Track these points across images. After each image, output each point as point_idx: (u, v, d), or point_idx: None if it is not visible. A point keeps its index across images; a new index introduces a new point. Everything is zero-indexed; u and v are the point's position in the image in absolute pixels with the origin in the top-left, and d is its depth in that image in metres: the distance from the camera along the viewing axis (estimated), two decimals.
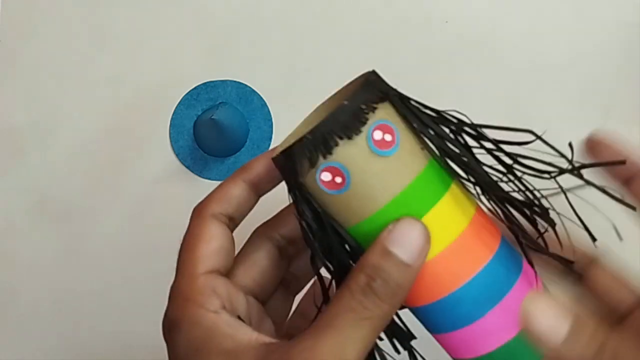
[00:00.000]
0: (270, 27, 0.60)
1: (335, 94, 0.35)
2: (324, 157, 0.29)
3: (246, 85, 0.59)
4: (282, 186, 0.33)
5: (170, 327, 0.32)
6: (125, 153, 0.60)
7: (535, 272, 0.32)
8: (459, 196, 0.31)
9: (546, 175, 0.31)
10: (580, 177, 0.31)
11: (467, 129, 0.32)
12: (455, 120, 0.32)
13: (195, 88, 0.60)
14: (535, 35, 0.59)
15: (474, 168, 0.31)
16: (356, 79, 0.33)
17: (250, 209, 0.35)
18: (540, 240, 0.33)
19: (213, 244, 0.33)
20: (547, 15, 0.59)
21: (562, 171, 0.31)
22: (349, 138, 0.29)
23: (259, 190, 0.35)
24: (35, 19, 0.62)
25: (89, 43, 0.61)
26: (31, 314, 0.59)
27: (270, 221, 0.37)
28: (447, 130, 0.31)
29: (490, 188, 0.32)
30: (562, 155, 0.31)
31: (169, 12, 0.61)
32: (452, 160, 0.31)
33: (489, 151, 0.32)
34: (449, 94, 0.58)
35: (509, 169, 0.32)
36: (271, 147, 0.59)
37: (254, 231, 0.36)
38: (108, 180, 0.59)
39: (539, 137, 0.32)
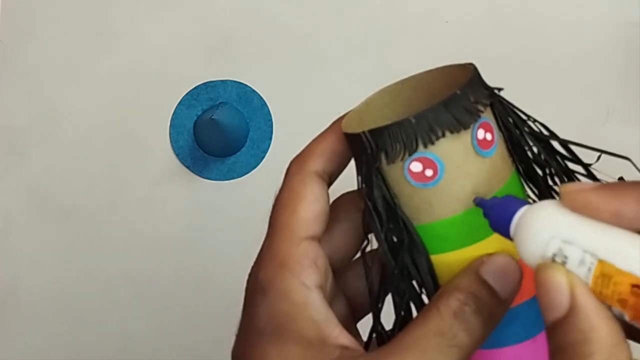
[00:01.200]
0: (271, 28, 0.60)
1: (419, 76, 0.32)
2: (425, 147, 0.27)
3: (246, 85, 0.59)
4: None
5: (257, 289, 0.29)
6: (125, 153, 0.60)
7: None
8: None
9: None
10: None
11: (555, 144, 0.30)
12: (546, 133, 0.30)
13: (195, 88, 0.60)
14: (535, 35, 0.59)
15: (554, 187, 0.30)
16: (450, 68, 0.30)
17: (346, 166, 0.31)
18: None
19: (317, 207, 0.29)
20: (547, 15, 0.59)
21: None
22: (457, 132, 0.27)
23: None
24: (35, 19, 0.62)
25: (88, 43, 0.61)
26: (31, 313, 0.59)
27: (353, 193, 0.33)
28: (535, 142, 0.30)
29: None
30: None
31: (169, 13, 0.61)
32: (528, 172, 0.29)
33: (572, 172, 0.30)
34: None
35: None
36: (271, 147, 0.59)
37: (342, 197, 0.33)
38: (108, 180, 0.60)
39: (638, 168, 0.29)
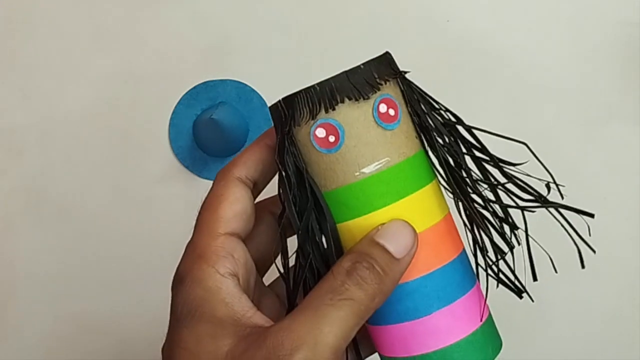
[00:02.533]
0: (270, 27, 0.60)
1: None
2: (326, 111, 0.29)
3: (246, 85, 0.59)
4: None
5: (176, 281, 0.31)
6: (124, 153, 0.60)
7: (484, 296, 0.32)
8: (435, 193, 0.31)
9: (524, 203, 0.32)
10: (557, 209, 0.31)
11: (462, 129, 0.32)
12: (453, 118, 0.32)
13: (194, 88, 0.59)
14: (536, 35, 0.59)
15: (458, 169, 0.32)
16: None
17: (273, 175, 0.34)
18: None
19: (237, 206, 0.32)
20: (547, 15, 0.59)
21: (540, 206, 0.31)
22: (356, 100, 0.29)
23: None
24: (34, 18, 0.62)
25: (88, 43, 0.61)
26: (30, 313, 0.59)
27: (274, 198, 0.36)
28: (442, 126, 0.32)
29: (466, 196, 0.32)
30: (549, 186, 0.31)
31: (169, 12, 0.61)
32: (438, 157, 0.32)
33: (477, 158, 0.32)
34: (449, 92, 0.58)
35: (492, 185, 0.32)
36: None
37: (257, 204, 0.35)
38: (107, 180, 0.59)
39: (533, 154, 0.31)
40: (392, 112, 0.30)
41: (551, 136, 0.57)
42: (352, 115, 0.29)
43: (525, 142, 0.31)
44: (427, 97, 0.32)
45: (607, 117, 0.58)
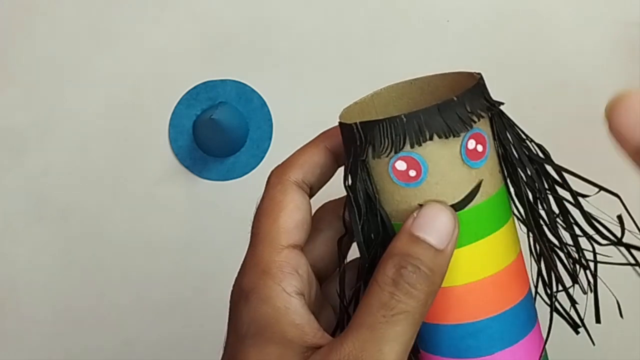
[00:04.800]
0: (270, 27, 0.60)
1: (428, 78, 0.32)
2: (411, 146, 0.27)
3: (246, 85, 0.59)
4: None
5: (240, 296, 0.29)
6: (124, 153, 0.60)
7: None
8: (511, 233, 0.30)
9: (602, 242, 0.30)
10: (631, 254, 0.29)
11: (549, 168, 0.30)
12: (542, 156, 0.30)
13: (194, 88, 0.59)
14: (536, 35, 0.59)
15: (537, 206, 0.30)
16: (459, 74, 0.30)
17: (329, 179, 0.32)
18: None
19: (298, 215, 0.30)
20: (548, 15, 0.59)
21: (614, 243, 0.29)
22: (446, 137, 0.27)
23: (340, 160, 0.32)
24: (35, 18, 0.62)
25: (87, 43, 0.61)
26: (30, 313, 0.59)
27: (342, 199, 0.33)
28: (529, 162, 0.30)
29: (542, 235, 0.30)
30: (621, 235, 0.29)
31: (169, 12, 0.61)
32: (520, 193, 0.30)
33: (559, 198, 0.31)
34: None
35: (569, 225, 0.30)
36: (271, 147, 0.59)
37: (323, 206, 0.34)
38: (108, 180, 0.59)
39: (625, 207, 0.29)
40: (480, 148, 0.27)
41: (551, 136, 0.57)
42: (439, 153, 0.27)
43: (619, 194, 0.30)
44: (518, 130, 0.30)
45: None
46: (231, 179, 0.59)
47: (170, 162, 0.59)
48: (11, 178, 0.60)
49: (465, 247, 0.28)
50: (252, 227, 0.31)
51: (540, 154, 0.30)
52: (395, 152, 0.27)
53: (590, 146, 0.58)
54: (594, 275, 0.30)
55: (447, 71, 0.31)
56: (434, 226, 0.27)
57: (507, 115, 0.30)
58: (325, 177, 0.32)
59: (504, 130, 0.29)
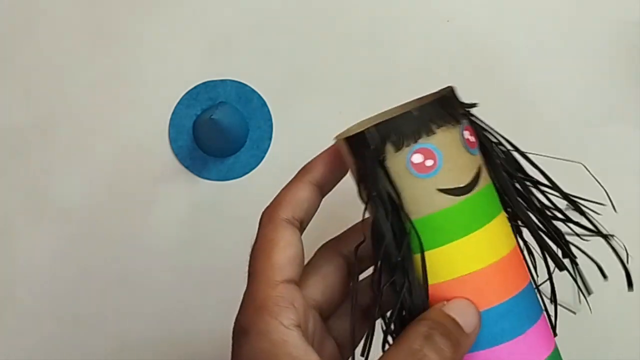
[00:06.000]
0: (270, 27, 0.60)
1: (398, 106, 0.35)
2: (427, 135, 0.30)
3: (246, 85, 0.59)
4: (346, 193, 0.33)
5: (239, 333, 0.31)
6: (124, 153, 0.60)
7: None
8: (506, 223, 0.32)
9: (586, 235, 0.33)
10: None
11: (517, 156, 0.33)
12: (509, 146, 0.33)
13: (194, 87, 0.59)
14: (536, 34, 0.59)
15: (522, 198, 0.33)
16: (427, 96, 0.34)
17: (316, 211, 0.34)
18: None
19: (290, 251, 0.32)
20: (548, 15, 0.59)
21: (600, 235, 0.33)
22: (452, 126, 0.30)
23: (323, 190, 0.34)
24: (34, 18, 0.62)
25: (88, 43, 0.61)
26: (30, 313, 0.59)
27: (341, 236, 0.36)
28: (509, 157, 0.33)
29: (532, 224, 0.33)
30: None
31: (169, 12, 0.61)
32: (505, 190, 0.32)
33: (536, 188, 0.34)
34: None
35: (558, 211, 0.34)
36: (271, 147, 0.59)
37: (324, 245, 0.36)
38: (107, 180, 0.59)
39: (592, 175, 0.34)
40: (472, 138, 0.31)
41: (551, 136, 0.57)
42: (447, 141, 0.30)
43: (582, 162, 0.33)
44: (488, 129, 0.33)
45: (607, 117, 0.58)
46: (231, 179, 0.59)
47: (170, 162, 0.59)
48: (11, 178, 0.60)
49: (479, 230, 0.30)
50: (249, 267, 0.32)
51: (508, 146, 0.33)
52: (414, 142, 0.30)
53: (590, 146, 0.58)
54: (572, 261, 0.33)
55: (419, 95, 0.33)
56: (463, 312, 0.29)
57: (477, 117, 0.33)
58: (312, 210, 0.34)
59: (480, 129, 0.33)
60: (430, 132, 0.30)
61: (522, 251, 0.34)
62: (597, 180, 0.32)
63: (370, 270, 0.32)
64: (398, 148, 0.30)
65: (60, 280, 0.59)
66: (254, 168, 0.59)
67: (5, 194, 0.60)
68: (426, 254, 0.30)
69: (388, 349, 0.29)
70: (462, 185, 0.30)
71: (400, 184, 0.30)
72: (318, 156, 0.34)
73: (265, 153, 0.59)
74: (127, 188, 0.59)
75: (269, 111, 0.59)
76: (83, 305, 0.58)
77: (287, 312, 0.30)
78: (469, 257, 0.30)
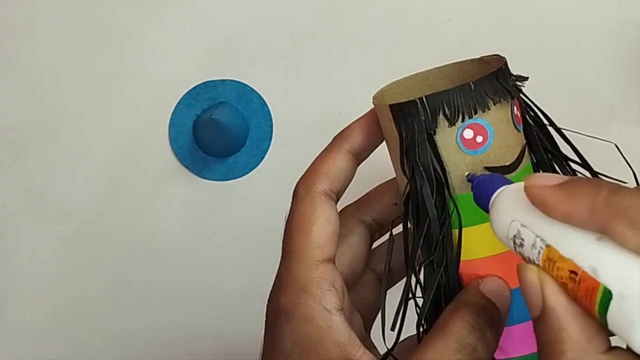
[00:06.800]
0: (270, 27, 0.60)
1: (451, 65, 0.34)
2: (483, 111, 0.29)
3: (246, 85, 0.59)
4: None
5: (280, 314, 0.30)
6: (124, 153, 0.60)
7: None
8: None
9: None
10: None
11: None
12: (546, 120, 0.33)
13: (194, 87, 0.59)
14: (536, 34, 0.59)
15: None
16: (465, 63, 0.33)
17: (351, 181, 0.32)
18: None
19: (329, 228, 0.30)
20: (548, 15, 0.59)
21: None
22: (504, 101, 0.29)
23: (360, 158, 0.32)
24: (34, 18, 0.62)
25: (88, 43, 0.61)
26: (30, 314, 0.59)
27: (362, 201, 0.34)
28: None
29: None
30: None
31: (169, 12, 0.61)
32: (542, 169, 0.32)
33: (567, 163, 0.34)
34: None
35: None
36: (271, 147, 0.59)
37: (344, 210, 0.34)
38: (107, 181, 0.59)
39: (622, 155, 0.33)
40: (519, 114, 0.30)
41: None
42: (499, 117, 0.29)
43: (614, 142, 0.33)
44: (532, 104, 0.33)
45: (607, 117, 0.58)
46: (231, 179, 0.59)
47: (170, 162, 0.59)
48: (11, 178, 0.60)
49: None
50: (284, 243, 0.31)
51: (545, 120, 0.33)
52: (469, 117, 0.29)
53: (590, 146, 0.58)
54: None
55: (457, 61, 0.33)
56: (499, 293, 0.29)
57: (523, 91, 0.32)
58: (349, 180, 0.32)
59: (525, 104, 0.32)
60: (486, 108, 0.29)
61: None
62: (627, 162, 0.33)
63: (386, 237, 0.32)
64: (451, 123, 0.29)
65: (60, 280, 0.59)
66: (254, 168, 0.59)
67: (5, 194, 0.60)
68: (464, 230, 0.30)
69: (430, 334, 0.28)
70: (507, 164, 0.29)
71: (448, 159, 0.29)
72: (355, 122, 0.32)
73: (265, 153, 0.59)
74: (127, 188, 0.59)
75: (269, 111, 0.59)
76: (83, 304, 0.58)
77: (330, 296, 0.29)
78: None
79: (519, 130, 0.30)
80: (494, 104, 0.29)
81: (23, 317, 0.59)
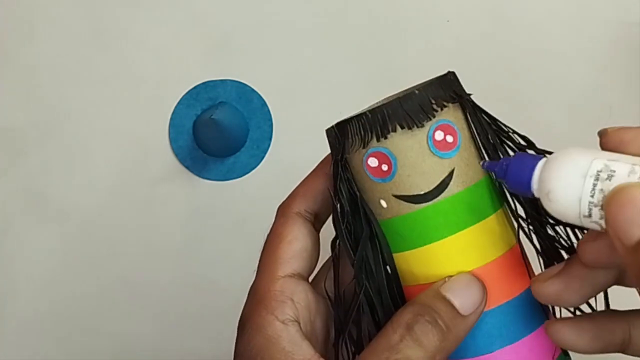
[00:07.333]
0: (270, 27, 0.60)
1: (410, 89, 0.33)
2: (377, 140, 0.28)
3: (246, 85, 0.59)
4: None
5: (239, 325, 0.31)
6: (124, 153, 0.60)
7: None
8: (500, 224, 0.30)
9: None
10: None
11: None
12: (523, 143, 0.31)
13: (194, 87, 0.59)
14: (536, 34, 0.59)
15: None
16: (432, 80, 0.32)
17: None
18: None
19: (296, 245, 0.31)
20: (548, 15, 0.59)
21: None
22: (409, 128, 0.28)
23: None
24: (34, 18, 0.62)
25: (88, 43, 0.61)
26: (30, 314, 0.59)
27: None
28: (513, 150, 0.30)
29: (537, 227, 0.31)
30: None
31: (169, 12, 0.61)
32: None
33: None
34: None
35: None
36: (271, 147, 0.59)
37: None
38: (108, 180, 0.59)
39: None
40: (449, 138, 0.28)
41: (551, 136, 0.57)
42: (405, 144, 0.28)
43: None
44: (494, 120, 0.31)
45: (607, 117, 0.58)
46: (231, 179, 0.59)
47: (170, 162, 0.59)
48: (11, 178, 0.60)
49: (446, 239, 0.28)
50: (258, 261, 0.32)
51: (522, 142, 0.31)
52: (365, 147, 0.28)
53: (590, 146, 0.58)
54: None
55: (431, 77, 0.31)
56: (462, 292, 0.28)
57: (479, 107, 0.31)
58: (328, 201, 0.32)
59: (476, 119, 0.30)
60: (382, 137, 0.28)
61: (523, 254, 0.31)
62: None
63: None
64: (349, 151, 0.29)
65: (60, 280, 0.59)
66: (254, 168, 0.59)
67: (4, 194, 0.60)
68: (399, 255, 0.29)
69: (368, 344, 0.28)
70: (422, 193, 0.28)
71: (362, 185, 0.29)
72: None
73: (265, 153, 0.59)
74: (127, 188, 0.59)
75: (269, 111, 0.59)
76: (83, 304, 0.58)
77: (284, 307, 0.30)
78: (440, 263, 0.29)
79: (441, 157, 0.28)
80: (394, 131, 0.28)
81: (23, 316, 0.59)
